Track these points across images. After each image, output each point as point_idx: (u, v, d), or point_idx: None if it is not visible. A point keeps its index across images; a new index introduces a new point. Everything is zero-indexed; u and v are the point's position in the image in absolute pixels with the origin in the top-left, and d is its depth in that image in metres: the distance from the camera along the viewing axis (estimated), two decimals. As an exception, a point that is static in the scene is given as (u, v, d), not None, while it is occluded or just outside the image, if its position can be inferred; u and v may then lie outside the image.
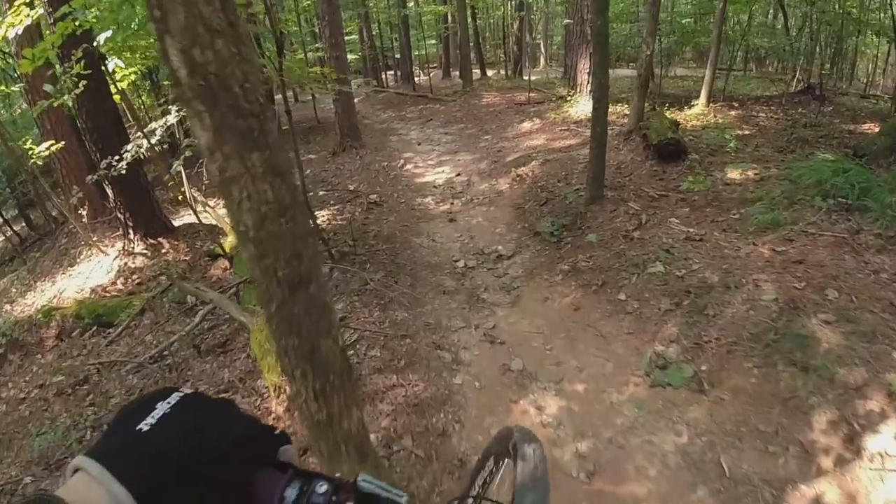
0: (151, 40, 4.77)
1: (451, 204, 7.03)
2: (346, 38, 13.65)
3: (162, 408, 0.50)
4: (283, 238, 1.28)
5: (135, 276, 6.05)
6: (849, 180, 4.57)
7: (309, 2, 13.84)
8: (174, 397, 0.52)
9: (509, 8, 22.00)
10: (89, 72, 4.67)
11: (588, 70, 10.49)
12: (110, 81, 5.52)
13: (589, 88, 10.46)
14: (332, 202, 7.19)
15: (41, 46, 4.02)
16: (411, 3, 19.29)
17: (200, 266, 5.98)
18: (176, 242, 6.50)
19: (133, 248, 6.39)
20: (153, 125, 5.31)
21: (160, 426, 0.48)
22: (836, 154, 5.74)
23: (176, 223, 7.02)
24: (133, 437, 0.48)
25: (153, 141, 5.24)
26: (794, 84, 10.25)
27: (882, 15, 10.89)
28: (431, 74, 21.38)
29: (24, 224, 10.50)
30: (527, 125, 10.29)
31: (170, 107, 5.50)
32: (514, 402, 3.30)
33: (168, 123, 5.33)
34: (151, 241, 6.44)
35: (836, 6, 10.23)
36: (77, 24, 4.00)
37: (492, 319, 4.25)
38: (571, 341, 3.84)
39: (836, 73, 13.28)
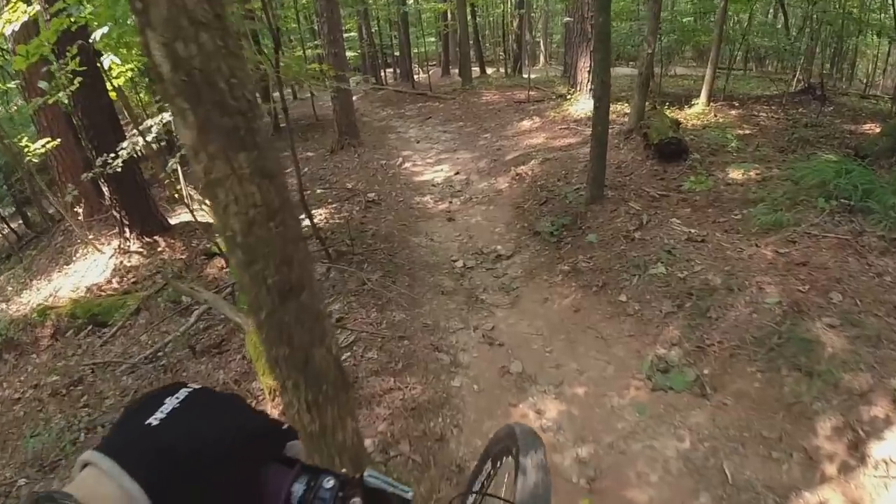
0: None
1: (450, 203, 6.98)
2: (346, 35, 13.58)
3: (171, 403, 0.50)
4: (273, 243, 1.22)
5: (130, 275, 6.00)
6: (851, 181, 4.52)
7: (308, -1, 13.76)
8: (182, 392, 0.52)
9: (509, 6, 21.88)
10: (84, 68, 4.62)
11: (588, 68, 10.43)
12: (106, 78, 5.45)
13: (589, 87, 10.41)
14: (329, 200, 7.14)
15: (35, 43, 3.96)
16: (411, 1, 19.18)
17: (196, 265, 5.92)
18: (172, 241, 6.44)
19: (129, 246, 6.34)
20: (149, 122, 5.24)
21: (169, 421, 0.48)
22: (838, 154, 5.69)
23: (172, 221, 6.97)
24: (143, 432, 0.47)
25: (149, 138, 5.17)
26: (795, 84, 10.20)
27: (882, 15, 10.86)
28: (431, 72, 21.31)
29: (21, 221, 10.43)
30: (526, 123, 10.23)
31: (166, 104, 5.42)
32: (514, 405, 3.25)
33: (164, 121, 5.27)
34: (147, 239, 6.39)
35: (837, 6, 10.17)
36: (72, 20, 3.94)
37: (491, 321, 4.19)
38: (571, 343, 3.79)
39: (835, 73, 13.23)
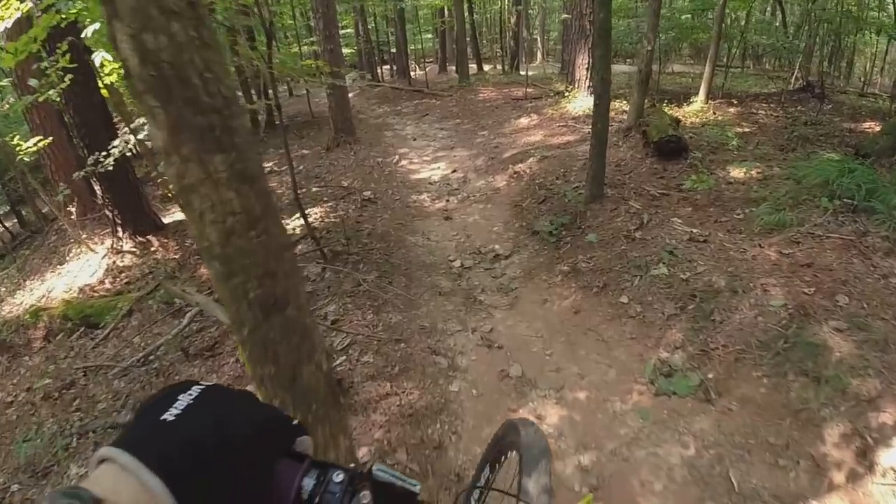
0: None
1: (447, 201, 6.89)
2: (342, 31, 13.48)
3: (184, 399, 0.50)
4: (254, 254, 1.12)
5: (123, 275, 5.91)
6: (854, 181, 4.45)
7: (304, -5, 13.65)
8: (195, 389, 0.52)
9: (506, 2, 21.77)
10: (76, 66, 4.52)
11: (587, 65, 10.37)
12: (97, 76, 5.35)
13: (587, 84, 10.34)
14: (325, 199, 7.04)
15: (24, 39, 3.87)
16: (407, -3, 19.14)
17: (190, 265, 5.83)
18: (165, 240, 6.35)
19: (122, 246, 6.25)
20: (140, 120, 5.14)
21: (185, 416, 0.48)
22: (839, 153, 5.63)
23: (166, 220, 6.87)
24: (159, 427, 0.47)
25: (141, 136, 5.08)
26: (793, 81, 10.14)
27: (880, 14, 10.81)
28: (427, 69, 21.22)
29: (15, 220, 10.32)
30: (524, 121, 10.15)
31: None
32: (513, 410, 3.17)
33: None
34: (140, 238, 6.30)
35: (835, 3, 10.12)
36: (62, 16, 3.85)
37: (489, 322, 4.11)
38: (572, 346, 3.71)
39: (833, 71, 13.18)
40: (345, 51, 13.50)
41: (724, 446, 2.71)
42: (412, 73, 19.51)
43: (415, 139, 10.46)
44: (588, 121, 6.56)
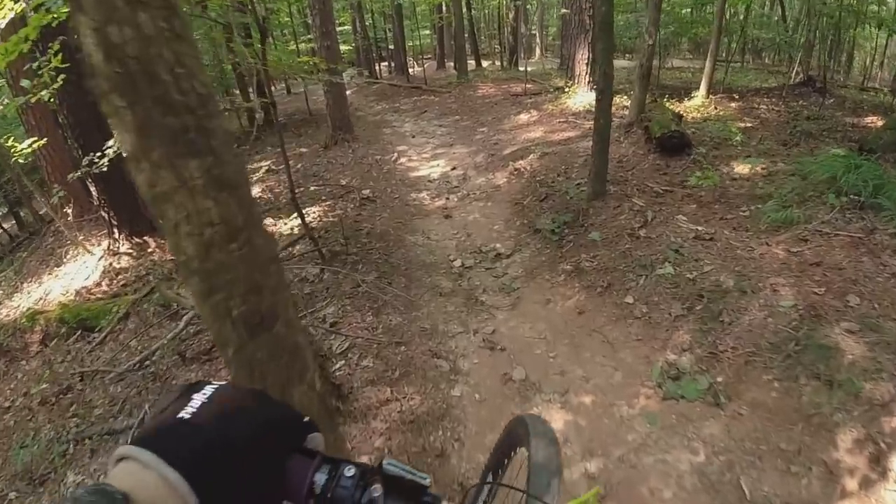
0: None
1: (447, 199, 6.80)
2: (339, 28, 13.36)
3: (199, 398, 0.51)
4: (236, 269, 1.02)
5: (120, 277, 5.84)
6: (861, 177, 4.37)
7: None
8: (208, 388, 0.53)
9: (505, -3, 21.67)
10: (68, 65, 4.44)
11: (587, 60, 10.28)
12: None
13: (588, 79, 10.25)
14: (323, 198, 6.96)
15: (13, 39, 3.78)
16: (405, -7, 19.00)
17: (187, 266, 5.75)
18: (162, 241, 6.26)
19: (118, 247, 6.17)
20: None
21: (201, 413, 0.49)
22: (843, 148, 5.55)
23: (162, 221, 6.79)
24: (176, 425, 0.48)
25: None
26: (794, 76, 10.05)
27: (880, 8, 10.72)
28: (426, 65, 21.09)
29: (13, 222, 10.26)
30: (524, 117, 10.05)
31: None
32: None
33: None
34: (137, 239, 6.22)
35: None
36: (53, 15, 3.76)
37: (491, 324, 4.03)
38: (576, 348, 3.63)
39: (833, 66, 13.08)
40: (342, 48, 13.40)
41: (735, 452, 2.63)
42: (410, 70, 19.38)
43: (413, 136, 10.36)
44: (589, 116, 6.48)
